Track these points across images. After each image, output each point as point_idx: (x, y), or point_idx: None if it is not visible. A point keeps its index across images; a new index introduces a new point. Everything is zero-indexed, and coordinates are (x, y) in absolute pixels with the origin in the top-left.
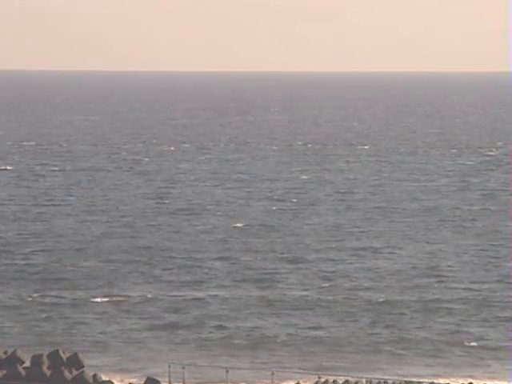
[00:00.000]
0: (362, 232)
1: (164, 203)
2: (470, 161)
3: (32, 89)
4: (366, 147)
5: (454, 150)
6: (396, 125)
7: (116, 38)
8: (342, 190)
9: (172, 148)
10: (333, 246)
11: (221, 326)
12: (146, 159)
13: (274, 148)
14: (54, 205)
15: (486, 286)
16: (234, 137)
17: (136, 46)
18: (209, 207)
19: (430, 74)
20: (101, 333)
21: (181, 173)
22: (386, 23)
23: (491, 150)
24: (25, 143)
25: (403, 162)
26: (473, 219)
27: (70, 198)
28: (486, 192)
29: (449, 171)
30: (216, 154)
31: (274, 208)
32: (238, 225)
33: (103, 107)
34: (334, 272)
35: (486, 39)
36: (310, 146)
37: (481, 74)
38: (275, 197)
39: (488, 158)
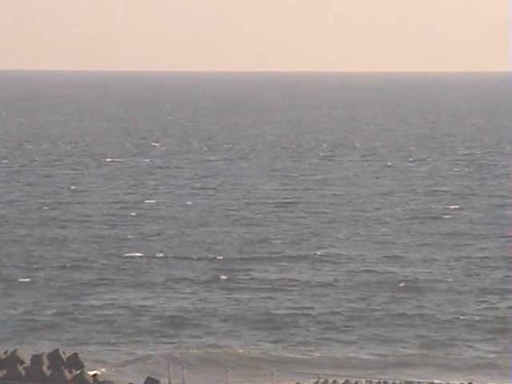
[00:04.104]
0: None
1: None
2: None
3: (32, 89)
4: (356, 146)
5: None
6: (388, 126)
7: (116, 38)
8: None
9: (160, 146)
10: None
11: (220, 325)
12: (127, 160)
13: (259, 149)
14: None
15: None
16: (226, 136)
17: (136, 46)
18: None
19: (430, 74)
20: (100, 333)
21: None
22: (386, 23)
23: (480, 151)
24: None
25: (389, 163)
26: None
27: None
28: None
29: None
30: (198, 155)
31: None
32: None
33: (99, 107)
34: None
35: (485, 39)
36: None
37: (481, 74)
38: (251, 198)
39: (477, 159)
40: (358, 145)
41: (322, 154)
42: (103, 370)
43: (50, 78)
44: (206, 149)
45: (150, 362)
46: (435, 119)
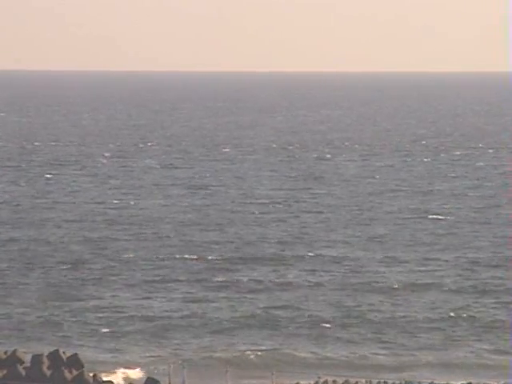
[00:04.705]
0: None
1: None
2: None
3: (32, 89)
4: (351, 146)
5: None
6: (388, 126)
7: (117, 39)
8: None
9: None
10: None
11: (219, 325)
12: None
13: (254, 149)
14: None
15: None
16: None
17: (137, 45)
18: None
19: (429, 74)
20: (100, 333)
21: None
22: (386, 23)
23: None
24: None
25: (383, 162)
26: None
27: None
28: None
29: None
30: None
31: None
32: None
33: (99, 107)
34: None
35: (485, 39)
36: (291, 148)
37: (481, 74)
38: (248, 200)
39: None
40: (356, 145)
41: (320, 155)
42: (103, 370)
43: (50, 77)
44: (203, 149)
45: (150, 362)
46: (435, 119)
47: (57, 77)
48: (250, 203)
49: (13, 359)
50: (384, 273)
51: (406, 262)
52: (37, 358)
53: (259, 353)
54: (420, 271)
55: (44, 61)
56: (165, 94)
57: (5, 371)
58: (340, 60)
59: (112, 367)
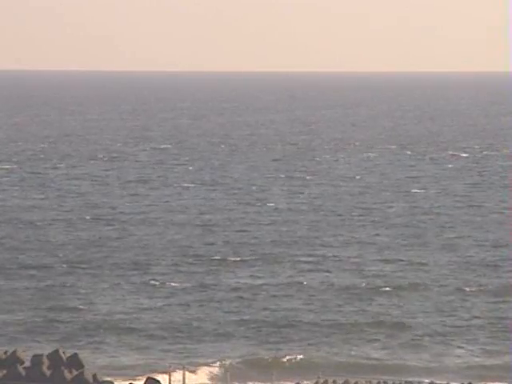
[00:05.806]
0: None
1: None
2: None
3: (32, 89)
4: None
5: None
6: (387, 126)
7: (116, 38)
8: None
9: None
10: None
11: (217, 326)
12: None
13: (256, 150)
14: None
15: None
16: (221, 137)
17: (136, 46)
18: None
19: (429, 74)
20: (101, 333)
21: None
22: (385, 23)
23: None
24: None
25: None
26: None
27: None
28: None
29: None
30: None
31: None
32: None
33: (98, 107)
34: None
35: (486, 39)
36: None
37: (481, 74)
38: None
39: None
40: (354, 145)
41: (318, 155)
42: (103, 370)
43: (50, 77)
44: (201, 149)
45: (150, 362)
46: (434, 119)
47: (57, 77)
48: (246, 203)
49: (13, 359)
50: (381, 273)
51: (402, 261)
52: (37, 358)
53: (259, 353)
54: (417, 271)
55: (44, 61)
56: (163, 94)
57: (5, 371)
58: (340, 60)
59: (113, 369)
